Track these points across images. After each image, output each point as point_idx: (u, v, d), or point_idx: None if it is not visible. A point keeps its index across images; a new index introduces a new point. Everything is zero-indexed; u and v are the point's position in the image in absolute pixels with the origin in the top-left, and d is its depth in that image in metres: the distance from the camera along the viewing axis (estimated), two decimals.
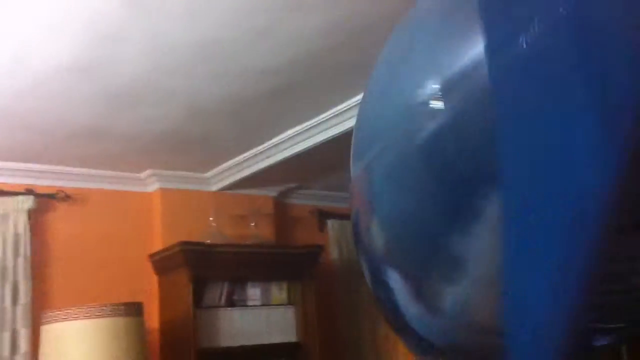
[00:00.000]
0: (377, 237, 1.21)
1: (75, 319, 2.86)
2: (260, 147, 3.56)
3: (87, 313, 2.87)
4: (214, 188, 3.96)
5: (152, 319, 3.34)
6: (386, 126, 1.10)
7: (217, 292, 3.61)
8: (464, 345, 1.17)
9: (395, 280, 1.20)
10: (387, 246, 1.20)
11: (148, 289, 3.62)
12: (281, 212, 4.22)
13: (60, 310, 2.91)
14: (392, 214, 1.13)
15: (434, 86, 0.95)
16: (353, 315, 4.20)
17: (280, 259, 3.80)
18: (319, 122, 3.23)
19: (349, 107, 3.06)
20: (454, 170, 0.94)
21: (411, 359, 4.18)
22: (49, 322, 2.92)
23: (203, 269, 3.50)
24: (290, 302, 3.83)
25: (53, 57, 2.37)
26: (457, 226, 0.97)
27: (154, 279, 3.68)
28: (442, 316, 1.12)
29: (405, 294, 1.19)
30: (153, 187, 3.80)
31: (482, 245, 0.95)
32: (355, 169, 1.24)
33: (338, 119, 3.15)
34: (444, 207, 0.99)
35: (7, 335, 3.12)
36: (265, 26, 2.29)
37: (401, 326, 1.25)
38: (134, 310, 3.01)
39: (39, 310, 3.23)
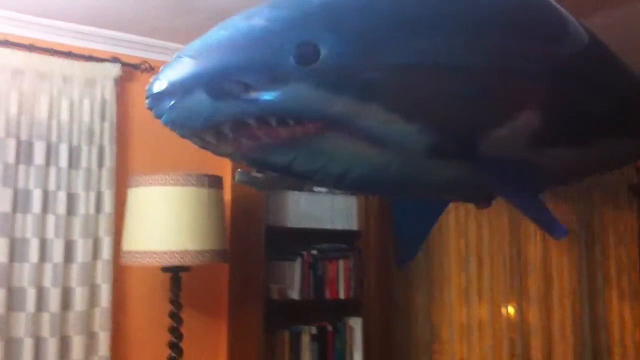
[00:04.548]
0: None
1: (162, 185, 3.01)
2: None
3: (173, 180, 3.01)
4: None
5: (225, 193, 3.48)
6: None
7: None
8: None
9: None
10: None
11: (219, 165, 3.75)
12: None
13: (147, 175, 3.06)
14: None
15: None
16: None
17: None
18: None
19: None
20: None
21: (462, 252, 4.35)
22: (136, 186, 3.08)
23: None
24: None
25: None
26: None
27: None
28: None
29: None
30: None
31: None
32: None
33: None
34: None
35: (92, 195, 3.29)
36: None
37: None
38: (215, 182, 3.15)
39: (121, 174, 3.40)
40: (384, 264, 3.97)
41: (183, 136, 1.33)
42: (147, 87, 1.30)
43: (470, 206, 4.47)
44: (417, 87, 1.32)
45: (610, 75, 1.76)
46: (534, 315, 4.66)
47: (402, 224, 2.05)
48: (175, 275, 3.20)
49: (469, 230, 4.46)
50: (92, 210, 3.29)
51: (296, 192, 3.74)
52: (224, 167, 3.76)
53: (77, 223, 3.26)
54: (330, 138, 1.30)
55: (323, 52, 1.25)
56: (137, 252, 3.01)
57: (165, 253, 2.96)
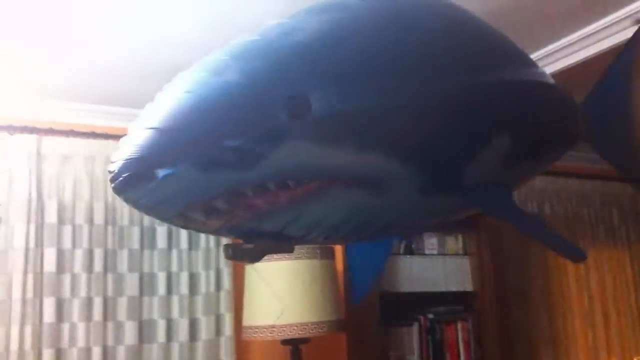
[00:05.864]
0: None
1: (277, 259, 3.10)
2: None
3: (287, 254, 3.10)
4: None
5: (337, 262, 3.54)
6: None
7: (397, 240, 3.76)
8: None
9: None
10: None
11: None
12: None
13: None
14: None
15: None
16: (524, 267, 4.20)
17: None
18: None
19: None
20: None
21: (586, 307, 4.16)
22: None
23: None
24: (465, 252, 3.92)
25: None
26: None
27: None
28: None
29: None
30: None
31: None
32: None
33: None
34: None
35: (212, 274, 3.44)
36: None
37: None
38: (327, 253, 3.21)
39: None
40: (503, 324, 3.87)
41: (163, 220, 1.18)
42: (110, 168, 1.10)
43: (591, 259, 4.31)
44: (409, 126, 1.29)
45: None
46: None
47: (355, 262, 2.15)
48: (295, 347, 3.25)
49: (591, 283, 4.29)
50: (212, 288, 3.42)
51: (408, 256, 3.75)
52: None
53: (200, 301, 3.40)
54: (329, 193, 1.21)
55: (315, 102, 1.14)
56: (257, 327, 3.09)
57: (284, 326, 3.02)
